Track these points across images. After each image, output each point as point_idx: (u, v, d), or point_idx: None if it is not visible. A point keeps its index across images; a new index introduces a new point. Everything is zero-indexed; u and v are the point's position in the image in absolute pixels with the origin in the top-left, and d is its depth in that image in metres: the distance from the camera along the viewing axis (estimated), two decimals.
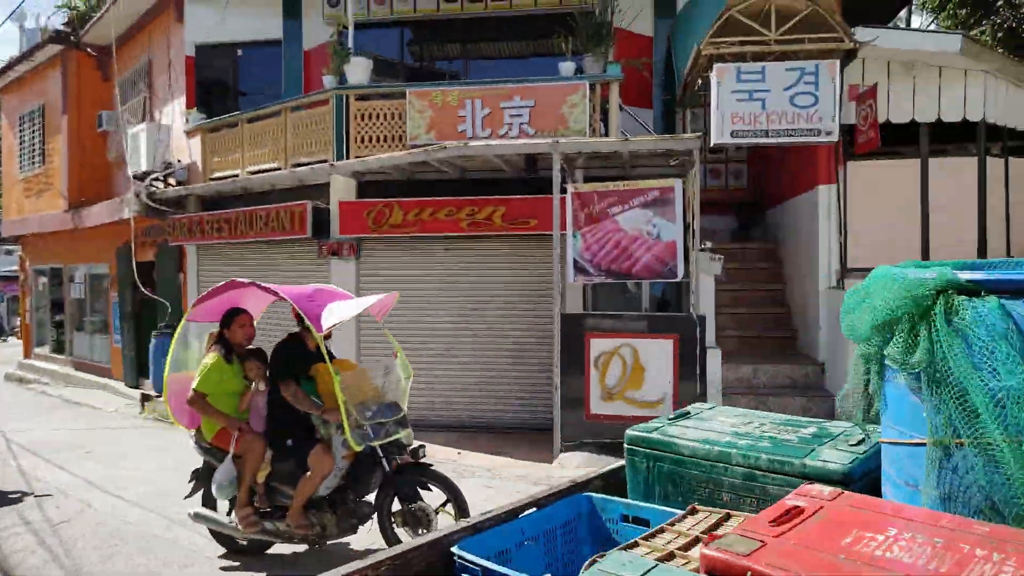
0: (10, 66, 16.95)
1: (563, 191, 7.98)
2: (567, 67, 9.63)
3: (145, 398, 12.52)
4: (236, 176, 11.15)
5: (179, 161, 12.66)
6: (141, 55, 14.29)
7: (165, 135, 12.45)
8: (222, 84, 12.78)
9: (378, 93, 9.99)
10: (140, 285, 12.66)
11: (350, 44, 10.18)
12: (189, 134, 12.52)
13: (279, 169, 10.51)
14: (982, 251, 8.26)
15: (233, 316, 5.67)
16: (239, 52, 12.68)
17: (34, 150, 17.19)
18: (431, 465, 5.36)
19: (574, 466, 7.18)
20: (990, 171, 8.38)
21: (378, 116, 9.84)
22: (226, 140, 11.71)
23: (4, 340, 31.96)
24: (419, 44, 12.83)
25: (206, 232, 11.27)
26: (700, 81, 8.24)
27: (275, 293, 5.47)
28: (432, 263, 9.87)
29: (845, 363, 7.40)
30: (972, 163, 8.42)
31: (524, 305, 9.65)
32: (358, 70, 9.95)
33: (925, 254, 8.17)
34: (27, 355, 19.36)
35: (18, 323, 33.32)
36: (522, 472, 7.38)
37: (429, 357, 9.83)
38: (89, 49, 15.38)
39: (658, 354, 7.59)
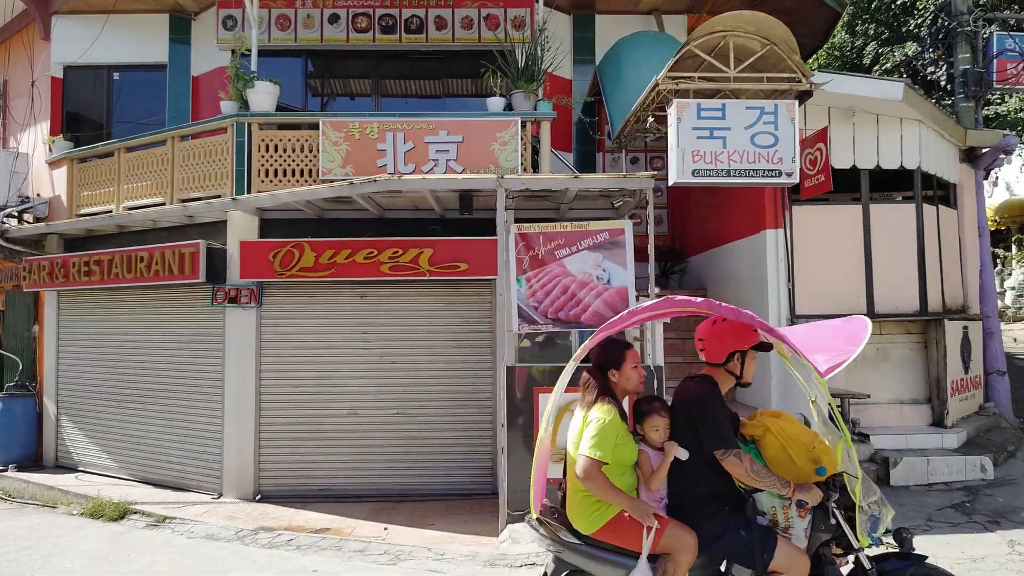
0: None
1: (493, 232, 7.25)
2: (496, 103, 9.01)
3: None
4: (110, 212, 9.63)
5: (38, 195, 10.92)
6: None
7: (23, 165, 10.71)
8: (94, 110, 11.21)
9: (287, 122, 8.93)
10: None
11: (252, 68, 9.10)
12: (52, 164, 10.83)
13: (163, 204, 9.15)
14: (922, 298, 8.27)
15: (624, 351, 4.06)
16: (115, 76, 11.21)
17: None
18: (925, 558, 3.83)
19: (528, 540, 6.26)
20: (926, 218, 8.47)
21: (286, 148, 8.76)
22: (98, 171, 10.17)
23: None
24: (321, 77, 11.87)
25: (71, 276, 9.61)
26: (651, 119, 7.81)
27: (766, 327, 3.69)
28: (346, 312, 8.78)
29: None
30: (910, 209, 8.48)
31: (454, 357, 8.73)
32: (264, 97, 8.87)
33: (870, 299, 8.06)
34: None
35: None
36: (468, 551, 6.36)
37: (340, 416, 8.67)
38: None
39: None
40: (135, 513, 8.24)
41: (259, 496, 8.54)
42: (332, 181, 8.31)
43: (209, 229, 9.02)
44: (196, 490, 8.94)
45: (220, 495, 8.66)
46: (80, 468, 10.14)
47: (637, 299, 7.18)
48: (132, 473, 9.58)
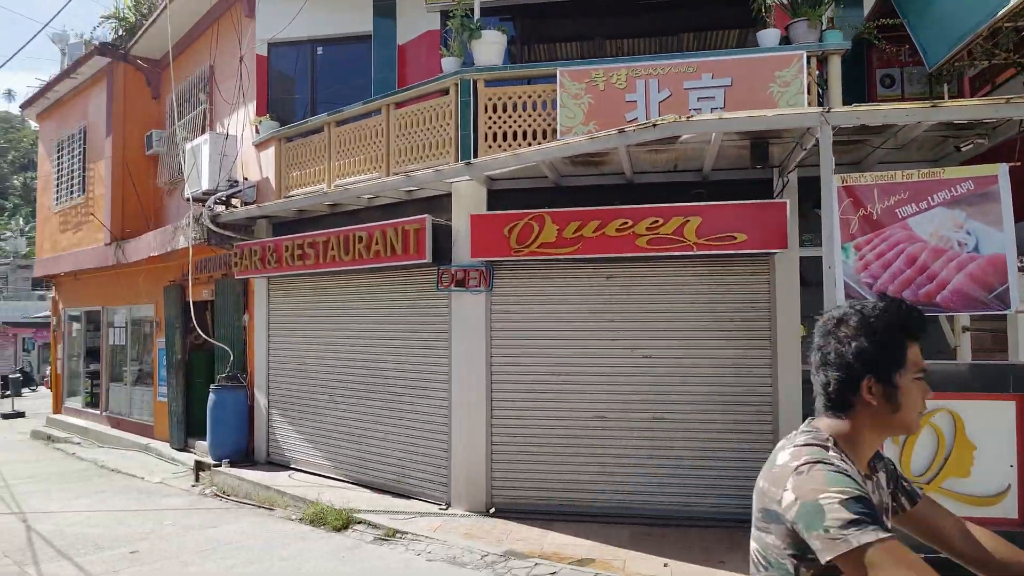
0: (49, 86, 14.94)
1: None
2: (770, 36, 7.23)
3: (200, 466, 9.98)
4: (323, 191, 8.77)
5: (246, 179, 10.35)
6: (199, 64, 12.16)
7: (231, 147, 10.17)
8: (299, 87, 10.52)
9: (518, 76, 7.62)
10: (199, 328, 10.22)
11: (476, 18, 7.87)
12: (260, 146, 10.23)
13: (378, 179, 8.13)
14: None
15: None
16: (319, 50, 10.45)
17: (73, 179, 15.05)
18: None
19: None
20: None
21: (516, 106, 7.46)
22: (307, 150, 9.40)
23: (33, 390, 29.65)
24: (529, 42, 10.57)
25: (284, 261, 8.86)
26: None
27: None
28: (590, 296, 7.35)
29: None
30: None
31: (721, 352, 7.06)
32: (491, 48, 7.62)
33: None
34: (56, 409, 16.95)
35: (49, 372, 31.17)
36: None
37: (584, 420, 7.25)
38: (140, 61, 13.33)
39: (993, 423, 4.96)
40: (359, 523, 7.23)
41: (492, 509, 7.29)
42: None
43: (429, 205, 7.90)
44: (419, 497, 7.84)
45: (448, 505, 7.50)
46: (292, 465, 9.41)
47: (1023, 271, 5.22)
48: (347, 474, 8.68)
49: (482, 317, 7.42)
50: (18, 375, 25.92)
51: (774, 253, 6.74)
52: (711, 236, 6.55)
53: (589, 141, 5.99)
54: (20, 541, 7.34)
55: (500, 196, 7.59)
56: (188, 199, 10.36)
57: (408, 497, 7.91)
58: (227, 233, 9.70)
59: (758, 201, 6.56)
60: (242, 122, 10.57)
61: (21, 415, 20.60)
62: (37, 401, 24.73)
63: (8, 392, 25.81)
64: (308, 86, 10.46)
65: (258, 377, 9.99)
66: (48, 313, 32.68)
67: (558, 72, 7.25)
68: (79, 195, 14.70)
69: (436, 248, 7.48)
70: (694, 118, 5.47)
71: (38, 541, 7.28)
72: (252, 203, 9.90)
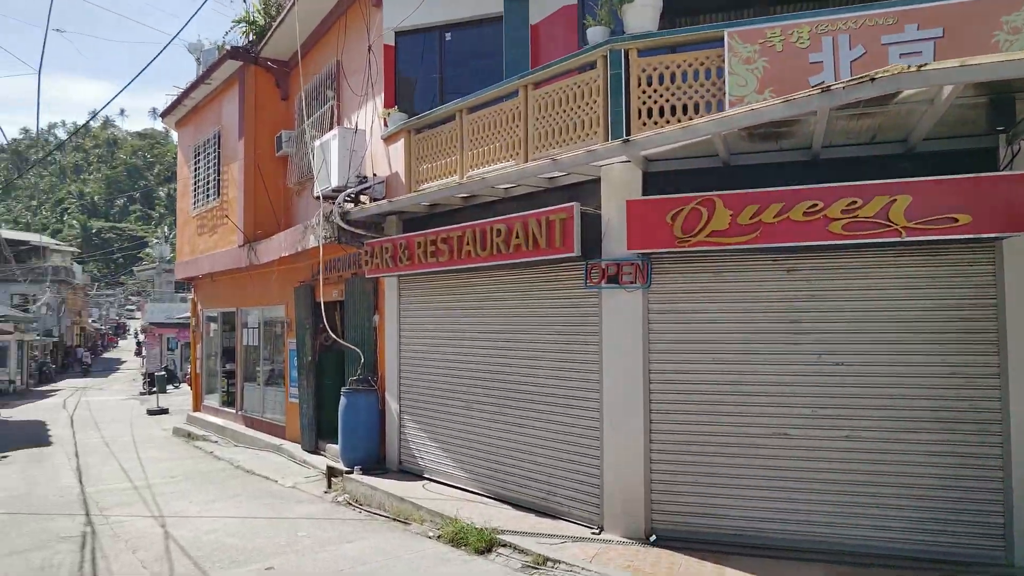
0: (185, 93, 15.26)
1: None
2: None
3: (332, 472, 9.61)
4: (455, 183, 8.12)
5: (374, 175, 9.92)
6: (326, 60, 11.90)
7: (360, 142, 9.75)
8: (426, 76, 9.98)
9: (677, 42, 6.66)
10: (329, 329, 9.87)
11: None
12: (388, 140, 9.76)
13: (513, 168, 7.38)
14: None
15: None
16: (447, 36, 9.87)
17: (208, 183, 15.31)
18: None
19: None
20: None
21: (673, 76, 6.52)
22: (437, 140, 8.81)
23: (176, 387, 31.22)
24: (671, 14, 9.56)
25: (416, 258, 8.29)
26: None
27: None
28: (766, 292, 6.30)
29: None
30: None
31: (931, 358, 5.85)
32: (644, 13, 6.70)
33: None
34: (196, 408, 17.41)
35: (189, 371, 32.79)
36: None
37: (763, 437, 6.20)
38: (269, 63, 13.29)
39: None
40: (503, 546, 6.49)
41: (653, 537, 6.36)
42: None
43: (573, 193, 7.07)
44: (567, 518, 7.03)
45: (600, 529, 6.64)
46: (425, 475, 8.84)
47: None
48: (485, 488, 7.99)
49: (638, 318, 6.52)
50: (163, 373, 27.24)
51: (1004, 238, 5.47)
52: (924, 219, 5.36)
53: (785, 105, 4.96)
54: (158, 549, 7.10)
55: (657, 179, 6.65)
56: (317, 197, 10.04)
57: (554, 517, 7.11)
58: (357, 231, 9.26)
59: (987, 175, 5.31)
60: (370, 116, 10.14)
61: (165, 411, 21.49)
62: (179, 398, 25.90)
63: (155, 389, 27.18)
64: (436, 74, 9.89)
65: (389, 380, 9.52)
66: (188, 314, 34.50)
67: (726, 34, 6.25)
68: (214, 198, 14.92)
69: (584, 240, 6.65)
70: (927, 67, 4.33)
71: (175, 551, 7.01)
72: (382, 199, 9.42)
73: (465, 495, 8.08)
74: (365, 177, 9.72)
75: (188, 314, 34.68)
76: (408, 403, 9.24)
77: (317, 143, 10.25)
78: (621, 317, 6.59)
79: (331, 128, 10.82)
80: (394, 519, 7.88)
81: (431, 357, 8.87)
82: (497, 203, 8.03)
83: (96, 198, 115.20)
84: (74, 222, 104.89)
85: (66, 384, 37.36)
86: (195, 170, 15.99)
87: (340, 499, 8.95)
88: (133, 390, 31.60)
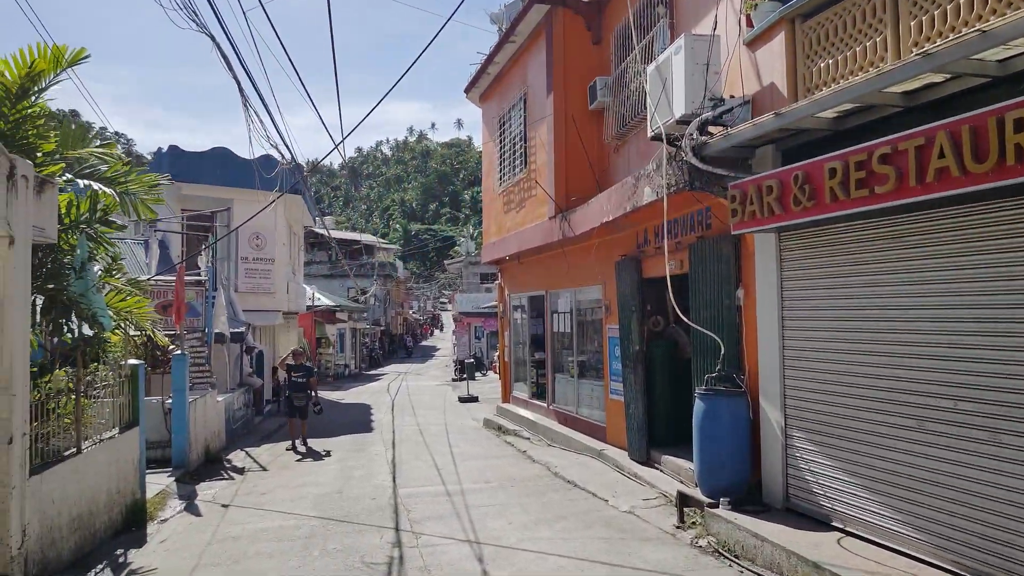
0: (490, 58, 13.84)
1: None
2: None
3: (684, 500, 7.05)
4: (896, 69, 4.98)
5: (731, 96, 7.13)
6: None
7: (713, 53, 7.03)
8: None
9: None
10: (676, 309, 7.29)
11: None
12: (755, 42, 6.91)
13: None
14: None
15: None
16: None
17: (515, 154, 13.76)
18: None
19: None
20: None
21: None
22: (842, 22, 5.76)
23: (484, 375, 31.45)
24: None
25: (823, 196, 5.30)
26: None
27: None
28: None
29: None
30: None
31: None
32: None
33: None
34: (505, 399, 16.15)
35: (496, 358, 33.00)
36: None
37: None
38: (580, 1, 11.19)
39: None
40: None
41: None
42: None
43: None
44: None
45: None
46: (835, 522, 5.85)
47: None
48: (961, 562, 4.78)
49: None
50: (471, 361, 27.27)
51: None
52: None
53: None
54: None
55: None
56: (653, 137, 7.53)
57: None
58: (716, 170, 6.56)
59: None
60: (723, 17, 7.37)
61: (475, 400, 20.94)
62: (487, 386, 25.60)
63: (464, 376, 27.32)
64: None
65: (764, 380, 6.68)
66: (494, 302, 34.83)
67: None
68: (521, 169, 13.29)
69: None
70: None
71: None
72: (744, 126, 6.59)
73: (918, 566, 4.96)
74: (721, 99, 6.97)
75: (493, 303, 35.10)
76: (799, 413, 6.32)
77: (651, 66, 7.75)
78: None
79: (665, 48, 8.23)
80: None
81: (842, 348, 5.84)
82: (922, 109, 4.78)
83: (414, 204, 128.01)
84: (397, 226, 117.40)
85: (391, 369, 40.26)
86: (500, 143, 14.59)
87: (702, 543, 6.34)
88: (446, 376, 32.57)
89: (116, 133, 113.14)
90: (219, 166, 18.13)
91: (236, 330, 14.92)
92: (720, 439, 6.69)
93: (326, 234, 33.15)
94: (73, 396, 6.38)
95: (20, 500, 5.10)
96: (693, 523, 6.82)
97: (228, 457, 11.85)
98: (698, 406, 6.87)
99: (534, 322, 14.92)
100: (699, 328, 7.33)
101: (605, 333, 10.92)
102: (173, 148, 18.63)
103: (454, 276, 67.09)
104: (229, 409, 13.55)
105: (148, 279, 12.35)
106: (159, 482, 9.28)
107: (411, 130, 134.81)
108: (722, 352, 6.99)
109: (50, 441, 5.95)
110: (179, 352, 10.45)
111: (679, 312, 7.27)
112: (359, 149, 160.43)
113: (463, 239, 75.87)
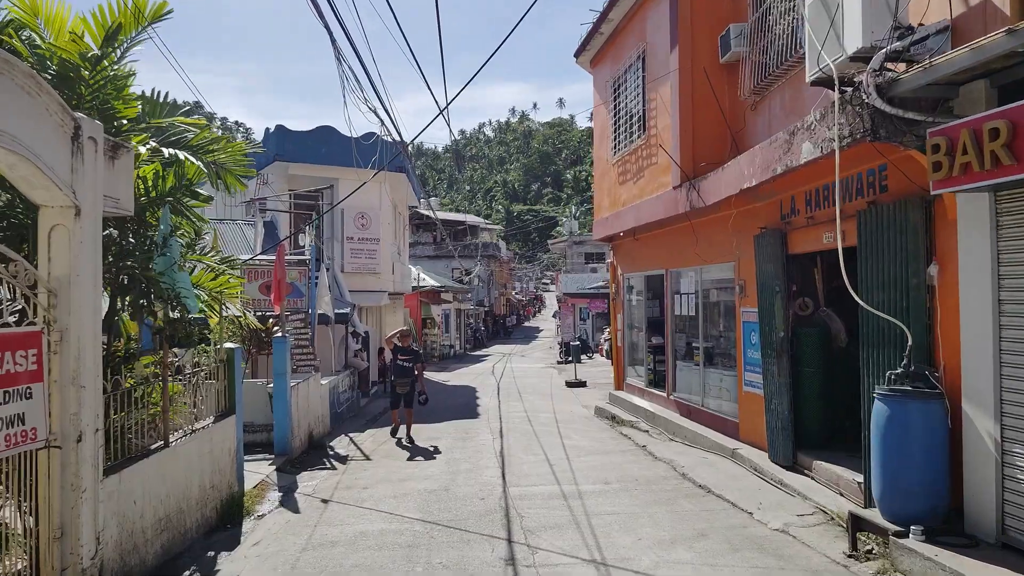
0: (604, 14, 12.57)
1: None
2: None
3: (857, 523, 5.74)
4: None
5: (920, 25, 5.66)
6: None
7: None
8: None
9: None
10: (852, 291, 5.91)
11: None
12: None
13: None
14: None
15: None
16: None
17: (631, 118, 12.50)
18: None
19: None
20: None
21: None
22: None
23: (590, 357, 30.35)
24: None
25: None
26: None
27: None
28: None
29: None
30: None
31: None
32: None
33: None
34: (618, 385, 15.02)
35: (602, 341, 31.81)
36: None
37: None
38: None
39: None
40: None
41: None
42: None
43: None
44: None
45: None
46: None
47: None
48: None
49: None
50: (577, 343, 26.22)
51: None
52: None
53: None
54: None
55: None
56: (817, 79, 6.15)
57: None
58: (909, 114, 5.15)
59: None
60: None
61: (582, 384, 19.91)
62: (594, 369, 24.50)
63: (570, 359, 26.36)
64: None
65: (970, 379, 5.26)
66: (601, 283, 33.58)
67: None
68: (639, 135, 12.03)
69: None
70: None
71: None
72: (939, 59, 5.12)
73: None
74: (909, 27, 5.52)
75: (599, 283, 33.84)
76: (1018, 421, 4.90)
77: None
78: None
79: None
80: None
81: None
82: None
83: (516, 185, 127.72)
84: (499, 207, 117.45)
85: (495, 349, 39.83)
86: (614, 107, 13.35)
87: None
88: (550, 358, 31.70)
89: (236, 123, 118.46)
90: (324, 144, 17.79)
91: (341, 311, 14.49)
92: (910, 452, 5.34)
93: (431, 214, 32.88)
94: (160, 384, 5.81)
95: (93, 504, 4.50)
96: (870, 553, 5.52)
97: (331, 444, 11.36)
98: (879, 409, 5.53)
99: (651, 304, 13.69)
100: (876, 312, 5.94)
101: (739, 316, 9.60)
102: (280, 128, 18.46)
103: (557, 256, 66.03)
104: (333, 392, 13.13)
105: (250, 259, 12.00)
106: (260, 471, 8.81)
107: (513, 111, 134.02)
108: (908, 343, 5.60)
109: (137, 434, 5.39)
110: (280, 334, 9.95)
111: (853, 292, 5.90)
112: (462, 131, 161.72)
113: (565, 219, 74.63)
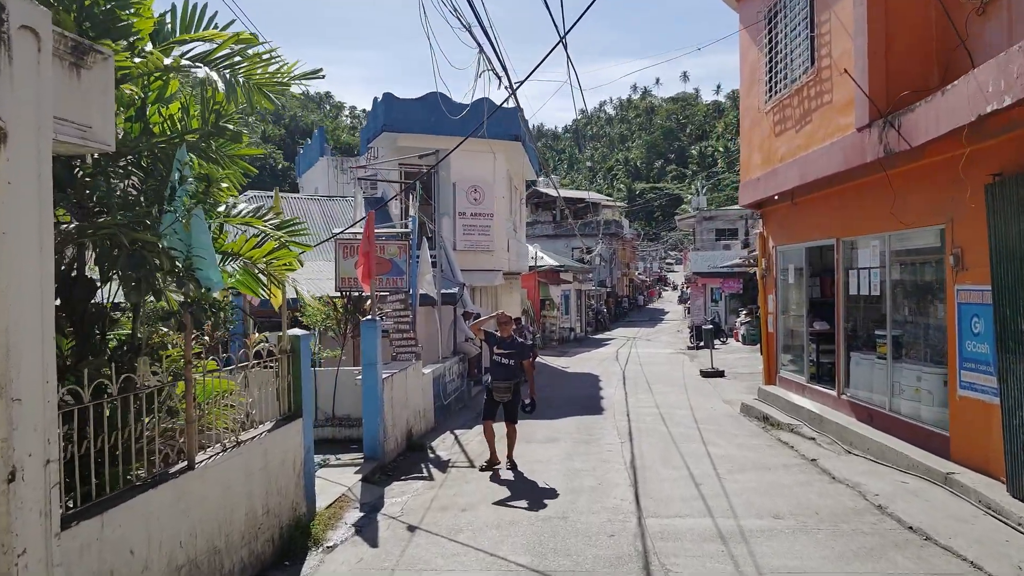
0: None
1: None
2: None
3: None
4: None
5: None
6: None
7: None
8: None
9: None
10: None
11: None
12: None
13: None
14: None
15: None
16: None
17: (793, 50, 10.06)
18: None
19: None
20: None
21: None
22: None
23: (724, 342, 27.54)
24: None
25: None
26: None
27: None
28: None
29: None
30: None
31: None
32: None
33: None
34: (769, 380, 12.63)
35: (738, 323, 28.88)
36: None
37: None
38: None
39: None
40: None
41: None
42: None
43: None
44: None
45: None
46: None
47: None
48: None
49: None
50: (710, 327, 23.69)
51: None
52: None
53: None
54: None
55: None
56: None
57: None
58: None
59: None
60: None
61: (720, 374, 17.51)
62: (730, 356, 21.91)
63: (702, 343, 23.92)
64: None
65: None
66: (737, 260, 30.53)
67: None
68: (805, 69, 9.60)
69: None
70: None
71: None
72: None
73: None
74: None
75: (733, 261, 30.77)
76: None
77: None
78: None
79: None
80: None
81: None
82: None
83: (639, 163, 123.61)
84: (621, 186, 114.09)
85: (618, 333, 37.61)
86: (769, 43, 10.91)
87: None
88: (678, 343, 29.21)
89: (364, 111, 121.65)
90: (433, 112, 16.35)
91: (448, 291, 13.00)
92: None
93: (551, 190, 31.10)
94: (184, 383, 4.35)
95: (42, 572, 3.03)
96: None
97: (432, 444, 9.84)
98: None
99: (811, 282, 11.24)
100: None
101: (951, 296, 7.14)
102: (387, 95, 17.22)
103: (684, 233, 62.47)
104: (439, 382, 11.66)
105: (341, 232, 10.67)
106: (342, 481, 7.38)
107: (635, 87, 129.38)
108: None
109: (142, 454, 3.96)
110: (368, 317, 8.48)
111: None
112: (583, 111, 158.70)
113: (692, 195, 70.71)
